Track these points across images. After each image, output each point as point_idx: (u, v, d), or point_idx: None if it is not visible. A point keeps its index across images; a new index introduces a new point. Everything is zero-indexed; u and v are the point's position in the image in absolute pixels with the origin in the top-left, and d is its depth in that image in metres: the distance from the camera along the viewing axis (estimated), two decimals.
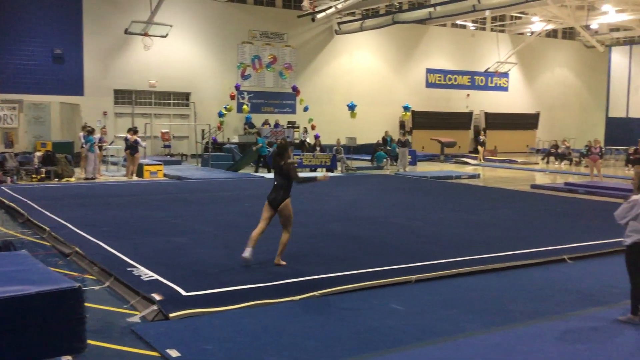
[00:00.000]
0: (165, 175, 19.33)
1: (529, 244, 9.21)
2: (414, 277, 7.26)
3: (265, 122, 28.73)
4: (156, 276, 7.01)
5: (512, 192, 16.95)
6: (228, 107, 26.43)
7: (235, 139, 26.75)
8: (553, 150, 29.53)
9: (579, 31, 33.99)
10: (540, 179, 21.84)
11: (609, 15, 30.62)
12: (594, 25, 33.28)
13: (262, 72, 30.17)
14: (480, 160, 29.00)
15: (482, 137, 31.03)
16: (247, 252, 7.63)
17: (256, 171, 21.20)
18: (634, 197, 5.86)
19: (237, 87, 27.64)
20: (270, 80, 30.47)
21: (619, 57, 35.69)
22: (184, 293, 6.42)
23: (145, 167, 19.10)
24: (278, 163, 7.84)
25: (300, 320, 5.80)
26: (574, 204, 14.45)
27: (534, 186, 18.41)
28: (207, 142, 24.74)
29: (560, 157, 28.77)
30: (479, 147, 30.07)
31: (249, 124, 28.34)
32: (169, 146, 27.23)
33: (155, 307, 5.98)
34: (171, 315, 5.80)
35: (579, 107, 41.37)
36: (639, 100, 34.72)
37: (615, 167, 26.42)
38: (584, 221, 11.87)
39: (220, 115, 26.40)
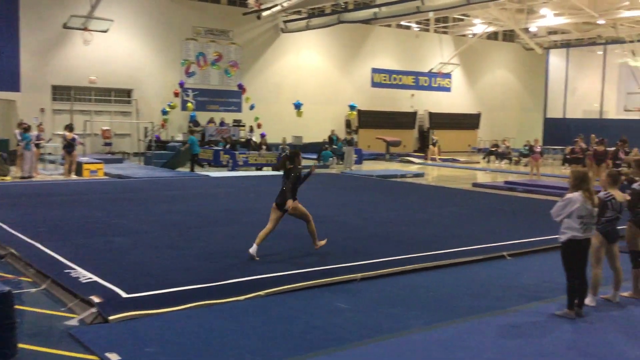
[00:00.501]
0: (105, 174, 18.86)
1: (470, 241, 9.40)
2: (359, 275, 7.30)
3: (211, 120, 28.42)
4: (95, 278, 6.81)
5: (454, 191, 17.31)
6: (172, 104, 26.01)
7: (180, 137, 26.32)
8: (494, 150, 30.34)
9: (519, 34, 35.02)
10: (482, 177, 22.38)
11: (547, 19, 31.69)
12: (533, 28, 34.35)
13: (207, 70, 29.80)
14: (428, 159, 29.49)
15: (434, 137, 31.59)
16: (252, 249, 7.88)
17: (192, 170, 20.67)
18: (569, 195, 6.04)
19: (181, 85, 27.28)
20: (215, 77, 30.12)
21: (556, 60, 36.86)
22: (124, 295, 6.26)
23: (85, 166, 18.61)
24: (287, 166, 8.11)
25: (245, 321, 5.75)
26: (513, 202, 14.85)
27: (475, 185, 18.85)
28: (150, 140, 24.26)
29: (501, 156, 29.58)
30: (431, 147, 30.59)
31: (193, 122, 27.94)
32: (109, 144, 26.57)
33: (94, 310, 5.82)
34: (111, 317, 5.65)
35: (519, 108, 42.59)
36: (576, 101, 35.96)
37: (552, 166, 27.30)
38: (523, 219, 12.22)
39: (164, 112, 25.97)
